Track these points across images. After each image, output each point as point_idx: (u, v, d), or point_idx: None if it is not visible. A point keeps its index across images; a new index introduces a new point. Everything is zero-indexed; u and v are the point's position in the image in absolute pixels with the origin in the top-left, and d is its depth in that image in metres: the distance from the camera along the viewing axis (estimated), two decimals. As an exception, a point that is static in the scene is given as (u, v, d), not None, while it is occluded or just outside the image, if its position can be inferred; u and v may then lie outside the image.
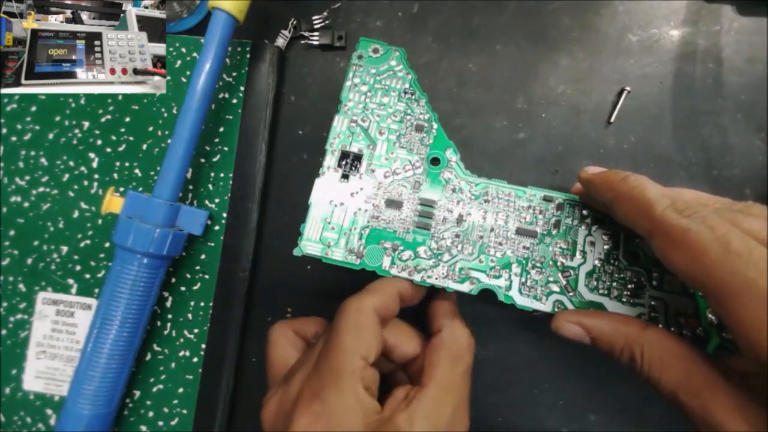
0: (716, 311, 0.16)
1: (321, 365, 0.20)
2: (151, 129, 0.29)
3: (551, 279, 0.23)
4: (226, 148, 0.29)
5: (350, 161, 0.25)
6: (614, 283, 0.23)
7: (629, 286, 0.23)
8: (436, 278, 0.23)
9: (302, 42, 0.30)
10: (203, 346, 0.28)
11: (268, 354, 0.24)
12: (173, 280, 0.28)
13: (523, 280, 0.23)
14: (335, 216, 0.24)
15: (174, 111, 0.29)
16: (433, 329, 0.23)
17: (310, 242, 0.24)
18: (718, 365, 0.18)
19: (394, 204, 0.24)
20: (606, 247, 0.23)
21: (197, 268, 0.28)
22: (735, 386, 0.17)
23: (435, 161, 0.25)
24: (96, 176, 0.30)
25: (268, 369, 0.24)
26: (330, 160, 0.25)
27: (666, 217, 0.18)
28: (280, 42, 0.29)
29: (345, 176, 0.25)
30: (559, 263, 0.23)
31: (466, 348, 0.22)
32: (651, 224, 0.18)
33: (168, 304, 0.28)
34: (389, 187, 0.25)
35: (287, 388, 0.21)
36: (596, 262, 0.23)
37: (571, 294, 0.23)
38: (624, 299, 0.22)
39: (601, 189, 0.21)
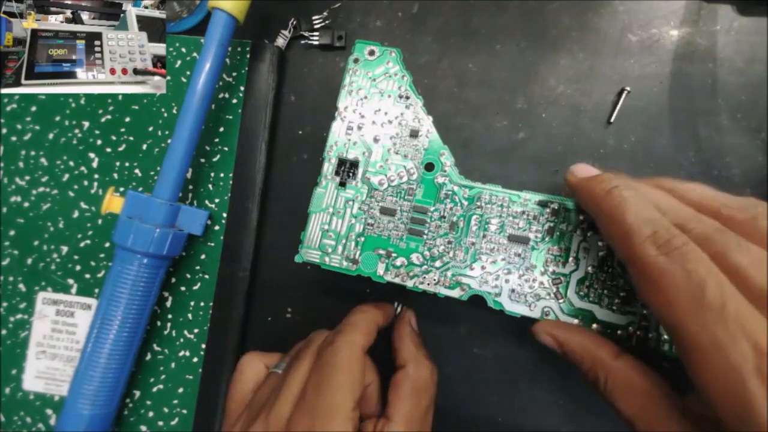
0: (682, 359, 0.16)
1: (314, 401, 0.20)
2: (151, 129, 0.29)
3: (542, 285, 0.23)
4: (226, 148, 0.29)
5: (347, 168, 0.25)
6: (606, 291, 0.23)
7: (621, 293, 0.22)
8: (428, 284, 0.24)
9: (302, 42, 0.30)
10: (203, 346, 0.28)
11: (231, 384, 0.24)
12: (173, 280, 0.28)
13: (513, 286, 0.23)
14: (333, 223, 0.25)
15: (174, 111, 0.29)
16: (398, 362, 0.23)
17: (310, 249, 0.25)
18: (679, 402, 0.18)
19: (388, 211, 0.25)
20: (601, 253, 0.23)
21: (197, 268, 0.28)
22: (691, 426, 0.17)
23: (429, 167, 0.25)
24: (96, 176, 0.30)
25: (228, 400, 0.23)
26: (327, 168, 0.25)
27: (643, 251, 0.16)
28: (280, 42, 0.29)
29: (342, 184, 0.25)
30: (550, 270, 0.23)
31: (430, 381, 0.23)
32: (628, 254, 0.17)
33: (168, 304, 0.28)
34: (384, 194, 0.25)
35: (266, 422, 0.20)
36: (589, 269, 0.23)
37: (560, 301, 0.23)
38: (615, 307, 0.22)
39: (585, 200, 0.21)
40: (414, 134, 0.25)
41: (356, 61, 0.26)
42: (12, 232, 0.30)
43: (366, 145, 0.26)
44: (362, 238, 0.25)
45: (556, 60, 0.27)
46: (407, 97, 0.26)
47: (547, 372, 0.27)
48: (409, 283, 0.24)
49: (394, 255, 0.24)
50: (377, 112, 0.26)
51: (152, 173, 0.29)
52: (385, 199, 0.25)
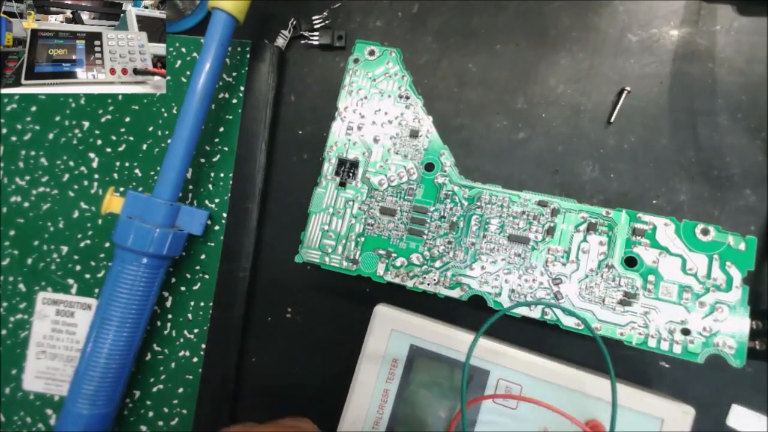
0: None
1: None
2: (151, 129, 0.29)
3: (542, 286, 0.23)
4: (226, 148, 0.29)
5: (347, 169, 0.25)
6: (607, 291, 0.23)
7: (621, 294, 0.22)
8: (428, 284, 0.24)
9: (302, 42, 0.30)
10: (203, 346, 0.28)
11: None
12: (173, 280, 0.28)
13: (513, 286, 0.23)
14: (333, 223, 0.25)
15: (174, 111, 0.29)
16: None
17: (310, 249, 0.25)
18: None
19: (388, 211, 0.25)
20: (601, 253, 0.23)
21: (197, 268, 0.28)
22: None
23: (429, 167, 0.25)
24: (96, 176, 0.30)
25: None
26: (327, 168, 0.26)
27: None
28: (280, 42, 0.29)
29: (342, 184, 0.25)
30: (550, 270, 0.23)
31: None
32: None
33: (168, 304, 0.28)
34: (384, 194, 0.25)
35: None
36: (589, 269, 0.23)
37: (561, 301, 0.23)
38: (615, 307, 0.22)
39: None
40: (414, 134, 0.25)
41: (356, 61, 0.26)
42: (12, 232, 0.30)
43: (366, 145, 0.26)
44: (362, 238, 0.25)
45: (556, 60, 0.27)
46: (407, 97, 0.26)
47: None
48: (409, 283, 0.24)
49: (394, 255, 0.24)
50: (377, 112, 0.26)
51: (152, 173, 0.29)
52: (385, 199, 0.25)
